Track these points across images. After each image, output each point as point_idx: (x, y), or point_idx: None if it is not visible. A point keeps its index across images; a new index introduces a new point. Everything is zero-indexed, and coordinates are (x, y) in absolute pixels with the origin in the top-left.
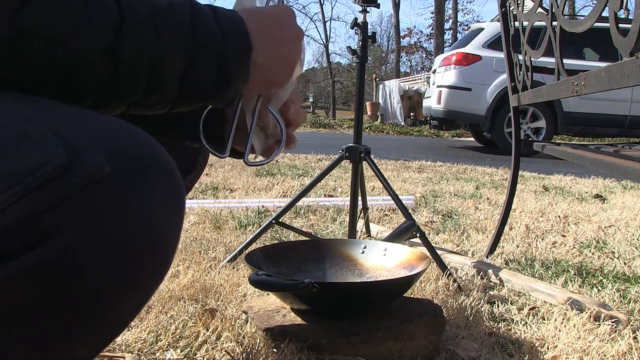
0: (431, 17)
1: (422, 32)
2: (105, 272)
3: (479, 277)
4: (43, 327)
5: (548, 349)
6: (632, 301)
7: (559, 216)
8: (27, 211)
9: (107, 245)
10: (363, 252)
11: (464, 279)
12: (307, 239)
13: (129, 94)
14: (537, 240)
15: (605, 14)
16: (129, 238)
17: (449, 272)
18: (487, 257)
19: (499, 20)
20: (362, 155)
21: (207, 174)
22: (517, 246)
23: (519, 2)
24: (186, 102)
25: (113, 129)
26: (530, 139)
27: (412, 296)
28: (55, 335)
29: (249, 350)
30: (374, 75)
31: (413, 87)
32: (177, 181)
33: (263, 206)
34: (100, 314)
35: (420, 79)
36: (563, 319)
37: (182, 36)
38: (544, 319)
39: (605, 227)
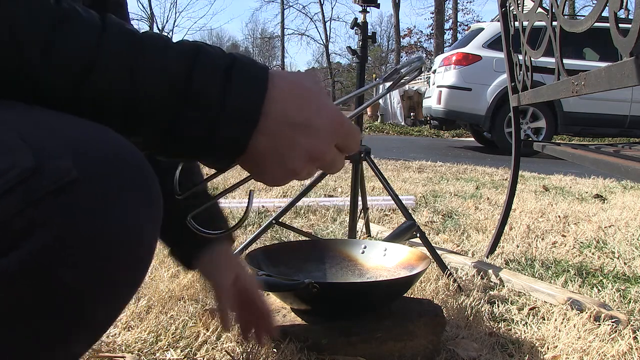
0: (431, 17)
1: (422, 32)
2: (76, 276)
3: (479, 277)
4: (20, 329)
5: (548, 349)
6: (632, 301)
7: (559, 216)
8: None
9: (79, 247)
10: (363, 252)
11: (464, 279)
12: (307, 239)
13: None
14: (537, 240)
15: (605, 14)
16: (100, 239)
17: (449, 272)
18: (487, 257)
19: (499, 20)
20: (362, 155)
21: (207, 174)
22: (517, 246)
23: (519, 2)
24: (165, 155)
25: (81, 131)
26: (530, 139)
27: (412, 296)
28: (33, 337)
29: (249, 350)
30: (374, 75)
31: (413, 87)
32: (149, 181)
33: (263, 206)
34: (79, 315)
35: (421, 79)
36: (563, 319)
37: (166, 85)
38: (544, 319)
39: (605, 227)
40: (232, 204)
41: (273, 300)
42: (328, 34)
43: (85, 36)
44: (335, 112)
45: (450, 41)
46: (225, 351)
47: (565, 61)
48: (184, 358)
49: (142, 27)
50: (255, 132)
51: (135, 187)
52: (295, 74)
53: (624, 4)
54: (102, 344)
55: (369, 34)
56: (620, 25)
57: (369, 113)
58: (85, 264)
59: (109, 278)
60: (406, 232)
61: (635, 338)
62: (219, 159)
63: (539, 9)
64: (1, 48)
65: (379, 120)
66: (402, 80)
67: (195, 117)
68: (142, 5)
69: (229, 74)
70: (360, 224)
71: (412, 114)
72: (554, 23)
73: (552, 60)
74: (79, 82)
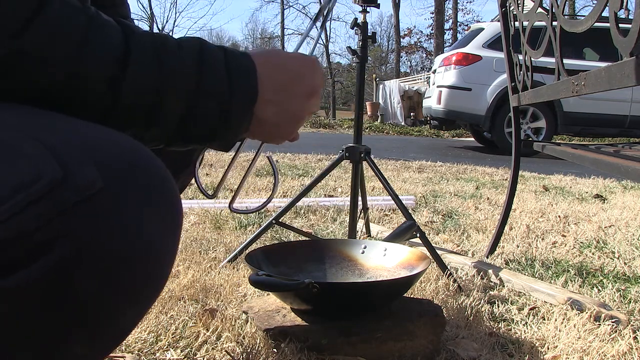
0: (431, 17)
1: (422, 32)
2: (99, 288)
3: (479, 277)
4: (36, 340)
5: (548, 349)
6: (632, 301)
7: (559, 216)
8: (19, 228)
9: (101, 261)
10: (363, 252)
11: (464, 279)
12: (307, 239)
13: (123, 128)
14: (537, 240)
15: (605, 14)
16: (123, 253)
17: (449, 272)
18: (487, 257)
19: (499, 20)
20: (362, 155)
21: (207, 174)
22: (517, 246)
23: (519, 2)
24: (183, 143)
25: (105, 140)
26: (530, 139)
27: (412, 296)
28: (49, 349)
29: (249, 350)
30: (374, 75)
31: (413, 87)
32: (172, 193)
33: None
34: (96, 328)
35: (420, 79)
36: (563, 319)
37: (185, 80)
38: (544, 319)
39: (605, 227)
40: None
41: (273, 300)
42: (328, 34)
43: (115, 34)
44: (299, 61)
45: (450, 41)
46: (225, 351)
47: (565, 61)
48: (184, 358)
49: (142, 27)
50: (258, 104)
51: (157, 198)
52: (262, 51)
53: (624, 4)
54: None
55: (369, 34)
56: (620, 25)
57: (369, 113)
58: (107, 276)
59: (130, 290)
60: (406, 232)
61: (635, 338)
62: (233, 138)
63: (539, 9)
64: (45, 42)
65: (379, 120)
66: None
67: (210, 107)
68: (142, 5)
69: (227, 64)
70: (360, 224)
71: (412, 114)
72: (554, 23)
73: (552, 60)
74: (116, 77)
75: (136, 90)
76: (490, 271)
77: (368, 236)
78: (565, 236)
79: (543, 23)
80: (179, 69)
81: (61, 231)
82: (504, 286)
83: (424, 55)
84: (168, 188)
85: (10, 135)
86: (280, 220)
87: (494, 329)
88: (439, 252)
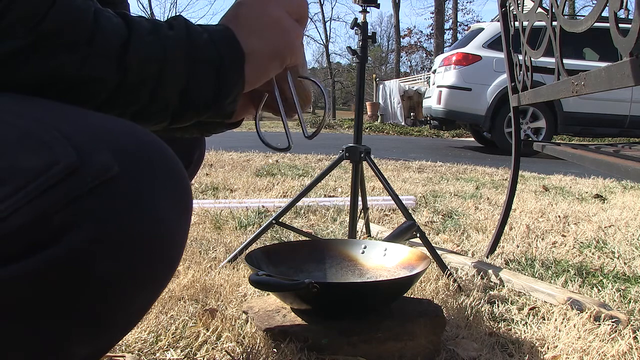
0: (431, 17)
1: (422, 32)
2: (115, 271)
3: (479, 277)
4: (53, 324)
5: (548, 349)
6: (632, 301)
7: (559, 216)
8: (37, 212)
9: (117, 244)
10: (363, 252)
11: (464, 279)
12: (307, 239)
13: (131, 102)
14: (537, 240)
15: (605, 14)
16: (138, 237)
17: (449, 272)
18: (487, 257)
19: (499, 20)
20: (362, 155)
21: (207, 174)
22: (517, 246)
23: (519, 2)
24: (186, 115)
25: (118, 128)
26: (530, 139)
27: (412, 296)
28: (64, 333)
29: (249, 350)
30: (374, 75)
31: (413, 87)
32: (183, 178)
33: (263, 206)
34: (110, 312)
35: (420, 79)
36: (563, 319)
37: (182, 49)
38: (544, 319)
39: (605, 227)
40: (232, 204)
41: (273, 300)
42: (328, 34)
43: (114, 18)
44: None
45: (450, 41)
46: (225, 351)
47: (565, 61)
48: (184, 358)
49: None
50: (245, 58)
51: (171, 183)
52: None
53: (624, 4)
54: None
55: (369, 34)
56: (620, 25)
57: (369, 113)
58: (123, 259)
59: (145, 273)
60: (406, 232)
61: (635, 338)
62: (232, 101)
63: (539, 9)
64: (61, 30)
65: (379, 120)
66: None
67: (206, 73)
68: (142, 5)
69: (210, 34)
70: (360, 224)
71: (412, 114)
72: (554, 23)
73: (552, 60)
74: (121, 53)
75: (141, 61)
76: (490, 271)
77: (368, 236)
78: (565, 236)
79: (543, 23)
80: (175, 41)
81: (78, 216)
82: (504, 286)
83: (424, 55)
84: (180, 174)
85: (27, 124)
86: (280, 220)
87: (494, 329)
88: (439, 252)
